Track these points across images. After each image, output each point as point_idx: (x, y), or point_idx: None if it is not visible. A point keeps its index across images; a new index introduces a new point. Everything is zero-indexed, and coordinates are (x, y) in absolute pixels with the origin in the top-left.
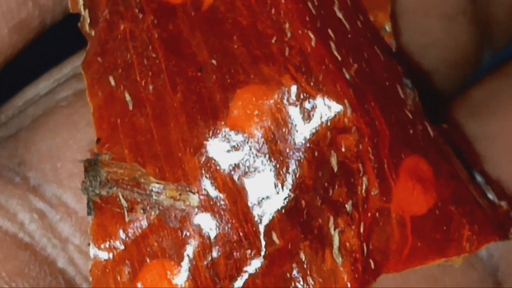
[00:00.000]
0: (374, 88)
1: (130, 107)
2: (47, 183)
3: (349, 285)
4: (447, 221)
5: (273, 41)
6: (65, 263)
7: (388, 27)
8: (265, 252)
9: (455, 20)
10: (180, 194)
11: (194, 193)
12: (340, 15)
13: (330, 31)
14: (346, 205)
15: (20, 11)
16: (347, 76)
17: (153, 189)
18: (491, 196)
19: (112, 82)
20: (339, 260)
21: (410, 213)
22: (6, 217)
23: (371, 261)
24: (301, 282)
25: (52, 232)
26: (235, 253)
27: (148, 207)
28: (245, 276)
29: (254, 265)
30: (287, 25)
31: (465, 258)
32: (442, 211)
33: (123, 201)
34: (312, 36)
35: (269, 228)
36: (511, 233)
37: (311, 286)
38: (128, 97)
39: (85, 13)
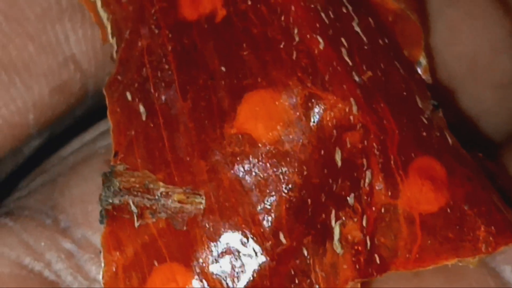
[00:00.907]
0: (387, 93)
1: (144, 118)
2: (76, 225)
3: (349, 274)
4: (461, 221)
5: (281, 46)
6: None
7: (423, 61)
8: (273, 253)
9: (508, 90)
10: (187, 197)
11: (201, 196)
12: (358, 29)
13: (343, 40)
14: (348, 198)
15: (61, 73)
16: (356, 79)
17: (162, 193)
18: None
19: (129, 97)
20: (339, 251)
21: (419, 210)
22: (33, 257)
23: (376, 256)
24: (305, 278)
25: (79, 271)
26: (243, 255)
27: (156, 212)
28: (253, 277)
29: (262, 266)
30: (296, 31)
31: None
32: (454, 211)
33: (133, 208)
34: (320, 40)
35: (276, 229)
36: None
37: (314, 281)
38: (142, 109)
39: (113, 41)
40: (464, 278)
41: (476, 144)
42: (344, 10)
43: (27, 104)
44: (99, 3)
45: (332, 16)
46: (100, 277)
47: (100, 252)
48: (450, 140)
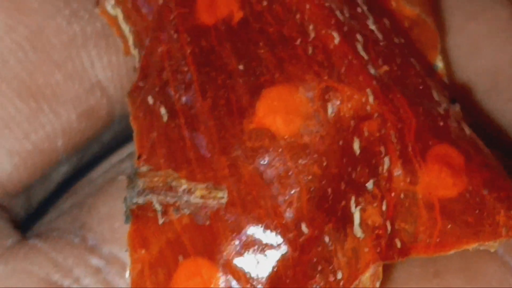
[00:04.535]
0: (403, 86)
1: (165, 120)
2: (104, 243)
3: (371, 258)
4: (480, 205)
5: (297, 42)
6: None
7: (440, 64)
8: (295, 243)
9: None
10: (209, 193)
11: (223, 191)
12: (373, 27)
13: (358, 36)
14: (367, 184)
15: (88, 99)
16: (372, 72)
17: (184, 190)
18: None
19: (151, 101)
20: (360, 235)
21: (438, 195)
22: (62, 273)
23: (397, 240)
24: (328, 265)
25: (107, 285)
26: (266, 247)
27: (180, 208)
28: (276, 267)
29: (285, 257)
30: (311, 27)
31: None
32: (474, 196)
33: (157, 205)
34: (335, 35)
35: (298, 219)
36: None
37: (336, 267)
38: (163, 111)
39: (135, 52)
40: (484, 278)
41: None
42: (359, 10)
43: (56, 130)
44: (120, 17)
45: (346, 14)
46: (127, 275)
47: (126, 250)
48: (467, 131)
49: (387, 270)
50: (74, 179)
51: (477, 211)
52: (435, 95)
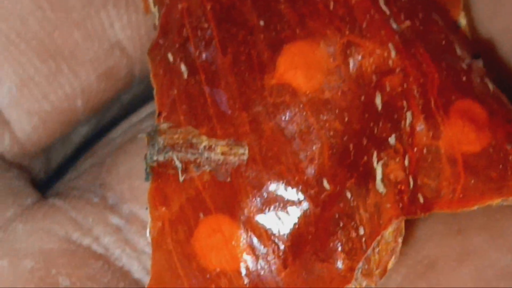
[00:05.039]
0: (426, 41)
1: (185, 77)
2: (124, 201)
3: (393, 213)
4: (503, 160)
5: None
6: (140, 273)
7: (463, 21)
8: (317, 200)
9: None
10: (230, 149)
11: (244, 147)
12: None
13: None
14: (390, 139)
15: (107, 59)
16: (394, 26)
17: (205, 147)
18: None
19: (171, 58)
20: (382, 190)
21: (462, 150)
22: (81, 232)
23: (419, 195)
24: (350, 220)
25: (127, 244)
26: (287, 203)
27: (200, 165)
28: (298, 224)
29: (307, 213)
30: None
31: None
32: (497, 151)
33: (177, 163)
34: None
35: (319, 175)
36: None
37: (358, 223)
38: (183, 68)
39: (155, 10)
40: (508, 234)
41: None
42: None
43: (75, 90)
44: None
45: None
46: (147, 233)
47: (147, 208)
48: (490, 86)
49: (410, 227)
50: (93, 141)
51: (500, 166)
52: (458, 50)
